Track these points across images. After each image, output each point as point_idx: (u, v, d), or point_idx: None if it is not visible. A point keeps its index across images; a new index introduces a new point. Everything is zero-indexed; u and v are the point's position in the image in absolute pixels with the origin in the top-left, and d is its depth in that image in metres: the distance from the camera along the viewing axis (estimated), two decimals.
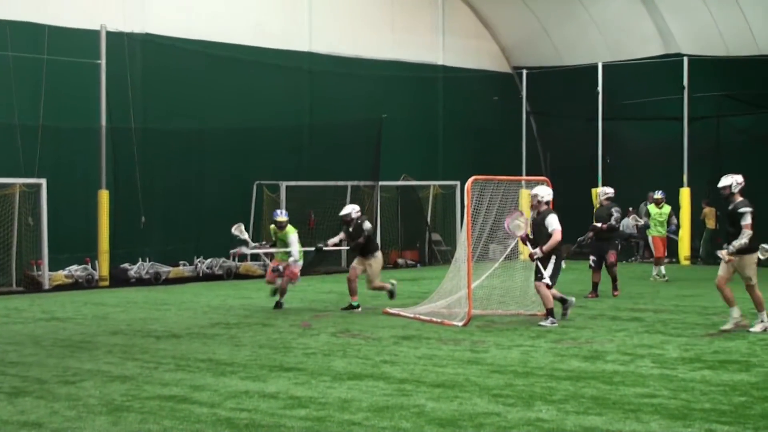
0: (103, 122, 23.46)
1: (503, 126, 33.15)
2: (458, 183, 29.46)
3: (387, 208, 29.32)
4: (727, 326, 14.31)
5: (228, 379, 10.83)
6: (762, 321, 14.09)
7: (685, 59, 29.15)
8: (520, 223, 15.75)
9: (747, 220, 13.82)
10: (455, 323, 15.40)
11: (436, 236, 30.43)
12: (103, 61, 23.41)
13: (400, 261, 29.03)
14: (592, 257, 19.89)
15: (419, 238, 30.51)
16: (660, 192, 23.48)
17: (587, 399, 9.69)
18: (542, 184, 17.82)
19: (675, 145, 29.46)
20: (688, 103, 29.13)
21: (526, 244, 15.67)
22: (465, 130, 32.68)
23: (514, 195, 18.08)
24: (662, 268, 23.36)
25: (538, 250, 15.21)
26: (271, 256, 19.22)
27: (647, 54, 30.92)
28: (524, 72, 32.73)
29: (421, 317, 16.18)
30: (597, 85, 30.30)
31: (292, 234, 17.78)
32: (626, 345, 13.32)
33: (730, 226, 14.24)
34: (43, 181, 22.26)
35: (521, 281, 16.81)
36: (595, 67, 30.50)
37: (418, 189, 30.59)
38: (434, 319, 15.88)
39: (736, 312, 14.27)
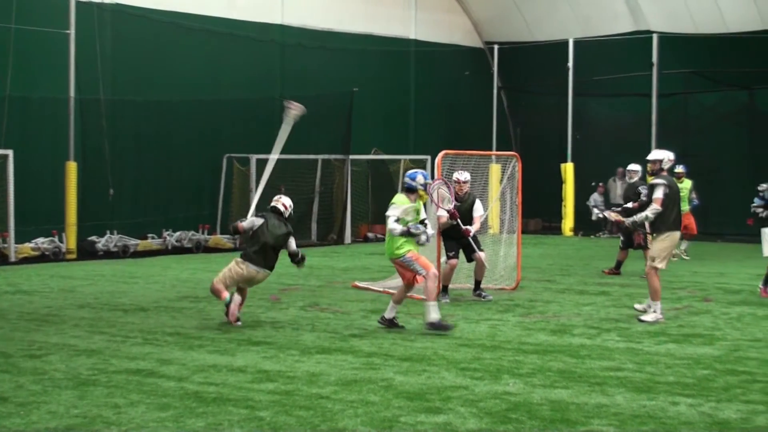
0: (72, 93, 23.24)
1: (474, 101, 33.18)
2: (429, 157, 29.45)
3: (357, 182, 29.28)
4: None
5: (196, 353, 10.83)
6: (655, 311, 13.15)
7: (655, 36, 29.28)
8: (445, 193, 15.10)
9: (658, 194, 13.09)
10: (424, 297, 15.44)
11: None
12: (72, 31, 23.16)
13: (370, 235, 29.04)
14: (621, 236, 19.45)
15: None
16: (682, 166, 21.53)
17: (554, 372, 9.78)
18: (512, 159, 17.90)
19: (644, 121, 29.64)
20: (657, 79, 29.28)
21: (456, 221, 14.85)
22: (436, 105, 32.67)
23: (484, 169, 18.12)
24: (685, 244, 22.07)
25: (470, 227, 15.11)
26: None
27: (617, 30, 31.01)
28: (495, 47, 32.71)
29: (390, 291, 16.17)
30: (567, 61, 30.38)
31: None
32: (593, 319, 13.43)
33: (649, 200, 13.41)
34: (10, 152, 22.02)
35: (490, 255, 16.85)
36: (565, 43, 30.57)
37: (388, 163, 30.56)
38: None
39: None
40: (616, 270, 19.28)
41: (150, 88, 25.51)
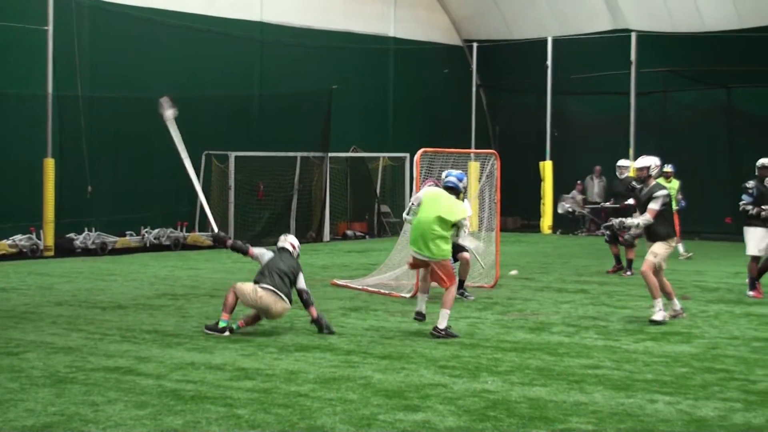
0: (50, 89, 23.11)
1: (453, 99, 33.20)
2: (408, 155, 29.48)
3: (336, 180, 29.26)
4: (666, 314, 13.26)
5: (174, 351, 10.80)
6: (660, 309, 12.85)
7: (633, 35, 29.37)
8: None
9: (655, 206, 12.87)
10: (403, 295, 15.48)
11: (385, 208, 30.46)
12: (50, 28, 23.03)
13: (349, 232, 29.03)
14: (607, 232, 19.26)
15: (368, 210, 30.53)
16: (671, 165, 21.12)
17: (532, 370, 9.80)
18: (491, 157, 17.93)
19: (622, 120, 29.74)
20: (635, 78, 29.38)
21: None
22: (415, 102, 32.68)
23: (462, 167, 18.13)
24: (680, 245, 21.53)
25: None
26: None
27: (596, 29, 31.09)
28: (474, 45, 32.76)
29: (369, 289, 16.22)
30: (546, 59, 30.43)
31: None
32: (571, 317, 13.47)
33: (642, 208, 13.18)
34: None
35: (468, 253, 16.86)
36: (544, 41, 30.62)
37: (367, 160, 30.55)
38: (382, 291, 15.94)
39: (676, 304, 13.32)
40: (618, 265, 19.09)
41: (128, 85, 25.37)
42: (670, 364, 10.13)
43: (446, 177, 12.63)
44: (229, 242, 12.50)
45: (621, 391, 8.91)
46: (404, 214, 13.33)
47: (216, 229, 12.84)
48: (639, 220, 13.11)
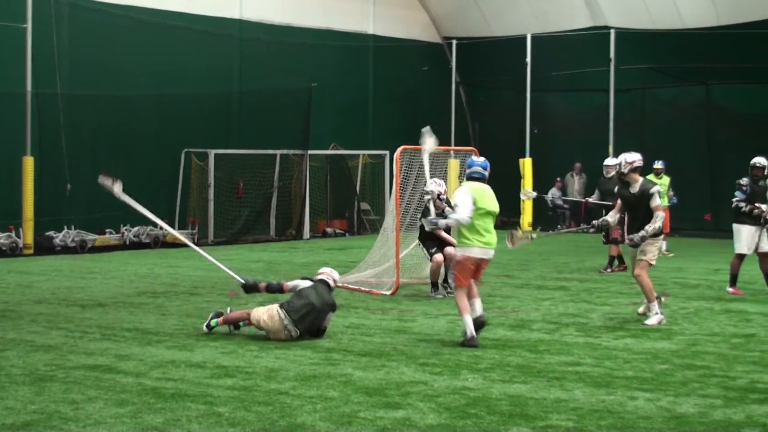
0: (29, 87, 23.00)
1: (433, 96, 33.18)
2: (387, 152, 29.46)
3: (316, 177, 29.23)
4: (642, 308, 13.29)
5: (154, 349, 10.78)
6: (657, 313, 12.67)
7: (612, 32, 29.44)
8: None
9: (657, 202, 12.68)
10: (383, 292, 15.49)
11: (365, 205, 30.46)
12: (29, 25, 22.92)
13: (329, 230, 29.02)
14: (603, 232, 18.75)
15: (348, 208, 30.52)
16: (660, 162, 21.33)
17: (513, 367, 9.82)
18: (470, 154, 17.94)
19: (601, 117, 29.81)
20: (614, 75, 29.46)
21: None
22: (394, 100, 32.66)
23: (442, 165, 18.16)
24: (664, 243, 20.73)
25: None
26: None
27: (575, 26, 31.12)
28: (454, 42, 32.77)
29: (349, 286, 16.21)
30: (525, 57, 30.48)
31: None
32: (552, 314, 13.51)
33: (635, 209, 12.91)
34: None
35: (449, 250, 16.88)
36: (523, 38, 30.65)
37: (347, 158, 30.54)
38: (362, 288, 15.95)
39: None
40: (621, 264, 18.84)
41: (108, 83, 25.29)
42: (650, 361, 10.17)
43: (470, 167, 11.97)
44: (262, 286, 12.05)
45: (601, 387, 8.94)
46: (462, 217, 11.46)
47: (242, 280, 12.32)
48: (656, 224, 12.63)
